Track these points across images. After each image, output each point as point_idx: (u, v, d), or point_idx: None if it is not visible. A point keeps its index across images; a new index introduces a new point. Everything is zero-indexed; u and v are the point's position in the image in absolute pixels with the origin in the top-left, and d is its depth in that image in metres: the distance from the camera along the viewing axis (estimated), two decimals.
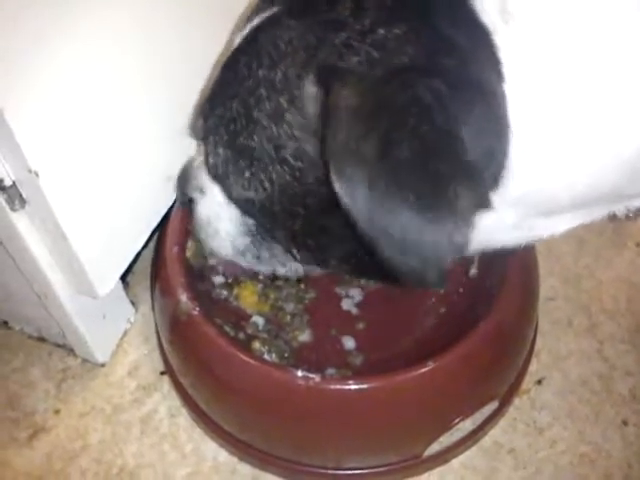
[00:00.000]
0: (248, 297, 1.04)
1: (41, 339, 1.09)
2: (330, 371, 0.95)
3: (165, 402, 1.02)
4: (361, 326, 1.03)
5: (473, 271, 0.98)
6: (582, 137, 0.63)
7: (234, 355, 0.84)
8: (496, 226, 0.68)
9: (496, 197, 0.63)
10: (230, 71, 0.71)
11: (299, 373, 0.82)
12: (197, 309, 0.87)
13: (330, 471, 0.92)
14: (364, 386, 0.81)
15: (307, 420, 0.85)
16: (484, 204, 0.60)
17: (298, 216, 0.71)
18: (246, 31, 0.70)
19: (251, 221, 0.77)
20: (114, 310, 1.05)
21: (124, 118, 0.84)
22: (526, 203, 0.67)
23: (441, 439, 0.89)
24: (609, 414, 1.00)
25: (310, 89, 0.63)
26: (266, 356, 0.97)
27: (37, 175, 0.74)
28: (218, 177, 0.74)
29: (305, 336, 1.02)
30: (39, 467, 0.98)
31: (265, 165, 0.68)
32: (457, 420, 0.88)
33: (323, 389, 0.82)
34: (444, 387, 0.84)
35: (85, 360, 1.06)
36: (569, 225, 0.74)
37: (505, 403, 0.96)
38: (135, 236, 0.95)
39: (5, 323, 1.10)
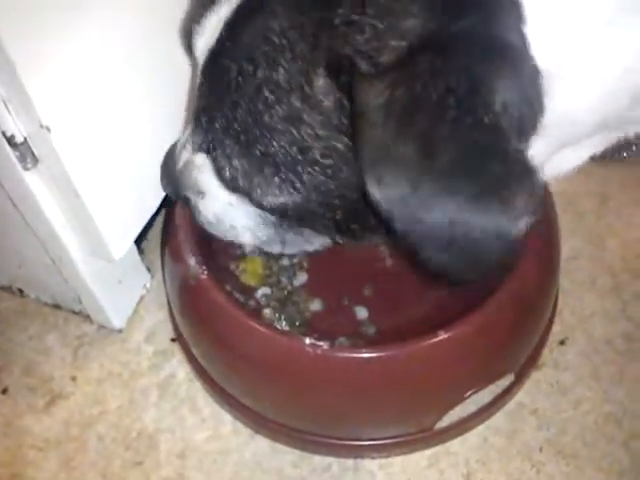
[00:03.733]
0: (254, 271, 1.02)
1: (57, 306, 1.08)
2: (341, 340, 0.92)
3: (183, 367, 1.01)
4: (374, 296, 1.01)
5: None
6: (598, 60, 0.59)
7: (242, 320, 0.82)
8: None
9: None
10: (218, 79, 0.64)
11: (307, 340, 0.80)
12: (206, 273, 0.85)
13: (340, 442, 0.90)
14: (372, 355, 0.79)
15: (315, 388, 0.83)
16: (539, 192, 0.57)
17: (338, 207, 0.67)
18: (215, 29, 0.63)
19: (271, 215, 0.73)
20: (130, 276, 1.04)
21: (139, 73, 0.83)
22: (553, 133, 0.63)
23: (455, 410, 0.87)
24: (634, 373, 0.98)
25: (321, 83, 0.59)
26: (277, 324, 0.96)
27: (49, 130, 0.72)
28: (242, 189, 0.68)
29: (316, 305, 1.00)
30: (57, 433, 0.97)
31: (294, 167, 0.64)
32: (470, 392, 0.86)
33: (331, 357, 0.80)
34: (456, 358, 0.82)
35: (101, 326, 1.05)
36: (580, 158, 0.71)
37: (521, 376, 0.93)
38: (149, 198, 0.94)
39: (20, 291, 1.09)
